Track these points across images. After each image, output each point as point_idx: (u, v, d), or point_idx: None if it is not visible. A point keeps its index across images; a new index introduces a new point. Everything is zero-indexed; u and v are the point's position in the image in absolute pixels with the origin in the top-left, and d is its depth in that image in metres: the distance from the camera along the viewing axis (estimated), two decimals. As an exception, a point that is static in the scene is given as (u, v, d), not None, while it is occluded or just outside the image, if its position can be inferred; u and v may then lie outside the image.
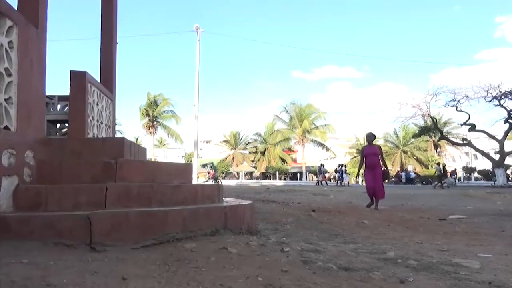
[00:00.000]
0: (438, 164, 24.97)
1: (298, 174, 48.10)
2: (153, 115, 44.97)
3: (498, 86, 21.49)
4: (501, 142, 23.05)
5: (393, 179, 32.42)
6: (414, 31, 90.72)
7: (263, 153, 49.71)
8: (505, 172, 22.69)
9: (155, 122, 45.61)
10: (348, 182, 28.44)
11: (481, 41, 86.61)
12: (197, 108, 23.13)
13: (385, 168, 7.81)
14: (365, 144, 8.42)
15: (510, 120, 22.07)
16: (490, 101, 22.13)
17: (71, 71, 4.88)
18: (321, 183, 26.17)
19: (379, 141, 50.14)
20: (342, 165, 28.65)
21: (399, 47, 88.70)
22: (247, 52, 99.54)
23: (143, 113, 45.30)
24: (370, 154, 7.60)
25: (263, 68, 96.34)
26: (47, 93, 3.98)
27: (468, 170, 36.91)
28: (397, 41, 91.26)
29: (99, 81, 5.74)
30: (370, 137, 7.97)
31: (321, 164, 29.54)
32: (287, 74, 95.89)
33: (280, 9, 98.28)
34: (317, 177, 27.72)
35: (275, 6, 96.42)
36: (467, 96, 22.58)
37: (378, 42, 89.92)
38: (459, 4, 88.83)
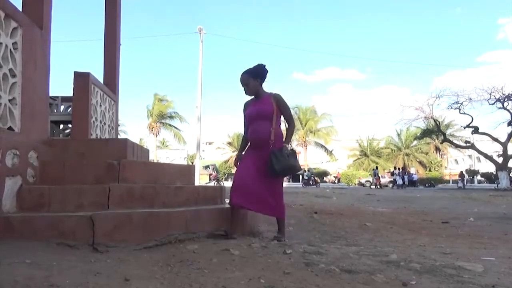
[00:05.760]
0: None
1: (300, 176, 48.03)
2: (157, 115, 45.05)
3: (501, 89, 21.44)
4: (504, 145, 22.98)
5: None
6: (416, 34, 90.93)
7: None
8: (509, 175, 22.56)
9: (159, 123, 45.68)
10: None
11: (484, 43, 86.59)
12: (199, 109, 23.16)
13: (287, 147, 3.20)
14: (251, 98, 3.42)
15: (513, 123, 21.98)
16: (493, 103, 22.06)
17: (74, 72, 4.91)
18: (376, 186, 26.00)
19: (380, 143, 49.98)
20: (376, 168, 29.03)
21: (401, 49, 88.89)
22: (248, 53, 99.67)
23: (150, 113, 45.37)
24: (255, 116, 3.28)
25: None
26: (50, 94, 3.99)
27: (471, 173, 36.77)
28: (399, 44, 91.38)
29: (102, 82, 5.76)
30: (246, 78, 3.30)
31: (376, 167, 29.72)
32: (288, 76, 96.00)
33: (281, 11, 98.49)
34: (372, 180, 27.51)
35: (276, 8, 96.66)
36: (470, 99, 22.56)
37: (380, 44, 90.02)
38: (461, 6, 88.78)
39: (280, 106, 3.28)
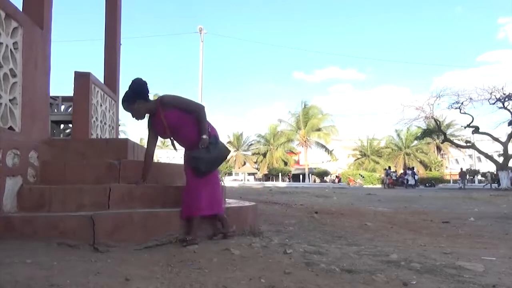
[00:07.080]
0: None
1: (301, 176, 48.03)
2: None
3: (502, 88, 21.42)
4: (504, 145, 22.98)
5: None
6: (416, 33, 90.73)
7: (265, 155, 49.63)
8: (509, 174, 22.55)
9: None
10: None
11: (484, 42, 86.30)
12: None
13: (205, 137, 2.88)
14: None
15: (514, 123, 21.96)
16: (494, 103, 22.05)
17: (75, 72, 4.91)
18: (389, 186, 26.05)
19: (381, 143, 49.98)
20: (389, 167, 29.15)
21: (401, 49, 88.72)
22: (248, 53, 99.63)
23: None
24: (166, 136, 3.06)
25: (264, 69, 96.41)
26: (51, 94, 3.99)
27: (472, 172, 36.71)
28: (399, 43, 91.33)
29: (103, 82, 5.76)
30: (126, 107, 2.97)
31: (388, 167, 29.83)
32: (288, 76, 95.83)
33: (281, 10, 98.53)
34: (383, 180, 27.53)
35: (276, 7, 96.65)
36: (470, 98, 22.56)
37: (380, 44, 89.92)
38: (461, 5, 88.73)
39: (173, 107, 2.91)
